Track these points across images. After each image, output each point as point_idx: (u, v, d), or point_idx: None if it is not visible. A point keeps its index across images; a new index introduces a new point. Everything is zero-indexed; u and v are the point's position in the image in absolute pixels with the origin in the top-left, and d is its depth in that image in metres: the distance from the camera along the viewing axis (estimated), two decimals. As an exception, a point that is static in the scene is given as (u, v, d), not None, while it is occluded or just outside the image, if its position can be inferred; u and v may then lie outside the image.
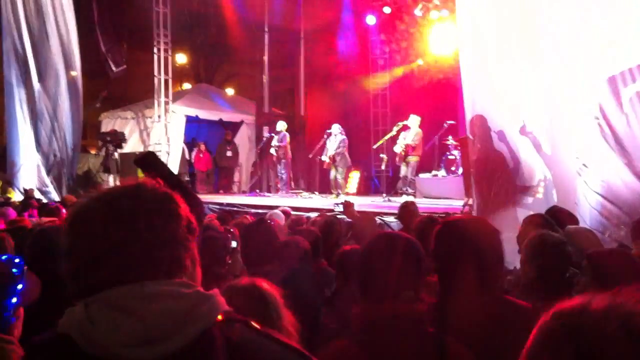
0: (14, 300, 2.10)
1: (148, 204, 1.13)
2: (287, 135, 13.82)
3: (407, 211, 5.98)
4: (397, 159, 11.86)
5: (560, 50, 6.06)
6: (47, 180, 13.61)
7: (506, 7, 6.56)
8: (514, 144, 6.67)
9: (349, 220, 5.62)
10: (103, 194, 1.17)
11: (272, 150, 13.83)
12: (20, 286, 2.13)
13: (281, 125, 13.81)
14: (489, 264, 2.23)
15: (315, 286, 3.25)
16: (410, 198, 10.72)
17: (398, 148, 11.64)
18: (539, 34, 6.26)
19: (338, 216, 5.64)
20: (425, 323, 1.96)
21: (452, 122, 12.71)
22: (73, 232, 1.14)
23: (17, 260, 2.22)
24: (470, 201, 7.83)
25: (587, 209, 5.72)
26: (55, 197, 13.00)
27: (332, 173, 12.76)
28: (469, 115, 7.22)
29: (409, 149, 11.50)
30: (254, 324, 1.16)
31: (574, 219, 4.65)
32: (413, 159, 11.58)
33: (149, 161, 2.61)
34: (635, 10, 5.61)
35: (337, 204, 6.67)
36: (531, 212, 6.38)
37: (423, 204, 10.22)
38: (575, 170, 5.99)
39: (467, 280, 2.16)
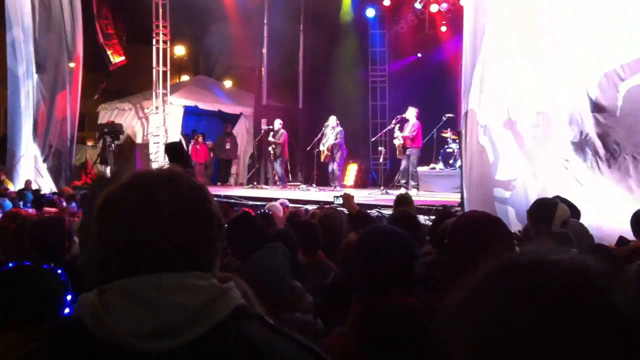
0: (67, 311, 2.06)
1: (185, 201, 1.11)
2: (285, 132, 13.84)
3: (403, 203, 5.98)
4: (397, 152, 11.85)
5: (560, 50, 6.06)
6: (44, 170, 13.60)
7: (506, 7, 6.55)
8: (497, 138, 6.69)
9: (349, 212, 5.62)
10: (138, 183, 1.14)
11: (270, 148, 13.86)
12: (69, 297, 2.09)
13: (278, 123, 13.83)
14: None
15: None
16: (413, 192, 10.74)
17: (396, 141, 11.64)
18: (539, 34, 6.26)
19: (338, 209, 5.63)
20: (420, 317, 1.97)
21: (450, 115, 12.71)
22: (103, 220, 1.12)
23: (59, 271, 2.18)
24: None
25: (577, 204, 5.74)
26: (52, 187, 12.99)
27: (330, 166, 12.82)
28: (463, 110, 7.25)
29: (406, 141, 11.49)
30: (268, 319, 1.14)
31: (577, 212, 4.66)
32: (413, 152, 11.57)
33: (177, 150, 2.67)
34: (635, 9, 5.61)
35: (337, 197, 6.67)
36: (509, 207, 6.44)
37: (421, 196, 10.24)
38: (562, 165, 6.01)
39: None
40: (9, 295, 1.97)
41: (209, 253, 1.13)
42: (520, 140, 6.48)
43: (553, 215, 3.51)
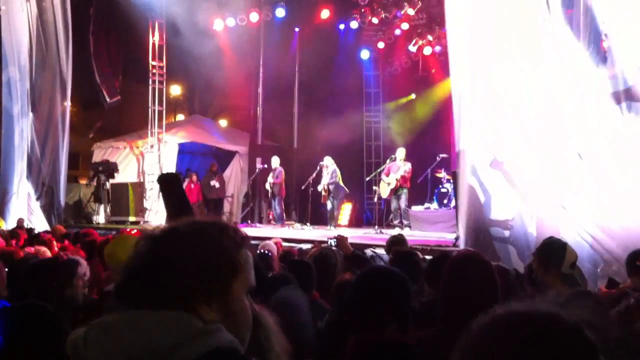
0: None
1: (165, 251, 1.19)
2: (283, 171, 13.90)
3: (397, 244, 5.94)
4: (384, 193, 11.86)
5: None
6: (37, 208, 13.53)
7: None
8: (485, 179, 6.69)
9: (343, 253, 5.58)
10: (169, 231, 1.24)
11: (267, 186, 13.88)
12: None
13: (276, 162, 13.89)
14: (492, 301, 2.24)
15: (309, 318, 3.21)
16: (406, 231, 10.72)
17: (393, 180, 11.64)
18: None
19: (333, 248, 5.60)
20: (414, 353, 1.98)
21: (444, 155, 12.80)
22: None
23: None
24: (462, 234, 7.83)
25: (576, 242, 5.70)
26: (45, 226, 12.89)
27: (329, 204, 12.86)
28: (456, 150, 7.28)
29: (401, 182, 11.53)
30: None
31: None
32: (403, 192, 11.60)
33: (171, 183, 2.62)
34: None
35: (330, 238, 6.63)
36: (509, 246, 6.40)
37: (415, 236, 10.22)
38: (559, 203, 6.00)
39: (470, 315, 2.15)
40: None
41: (189, 295, 1.16)
42: (511, 180, 6.48)
43: (563, 258, 3.53)
